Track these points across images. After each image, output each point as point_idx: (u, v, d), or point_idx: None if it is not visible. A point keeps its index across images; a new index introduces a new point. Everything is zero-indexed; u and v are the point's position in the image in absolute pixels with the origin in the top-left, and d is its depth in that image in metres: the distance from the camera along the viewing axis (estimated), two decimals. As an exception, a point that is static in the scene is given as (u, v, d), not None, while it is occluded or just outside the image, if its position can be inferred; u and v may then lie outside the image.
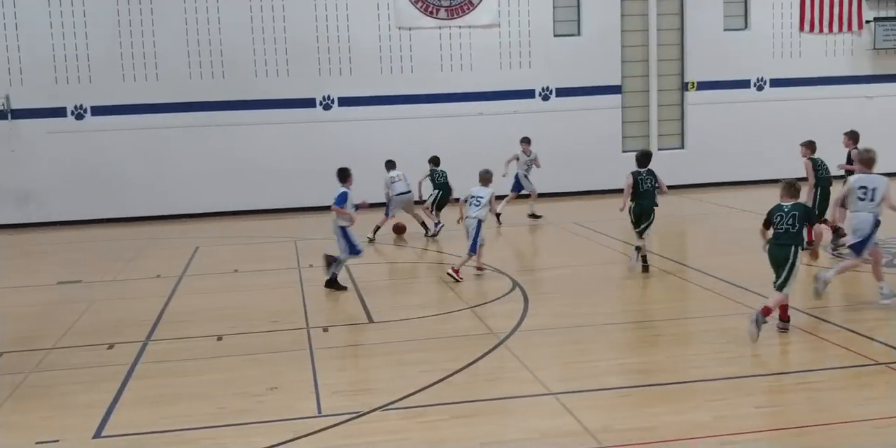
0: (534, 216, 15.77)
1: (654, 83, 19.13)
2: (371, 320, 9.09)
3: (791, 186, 8.13)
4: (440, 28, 18.35)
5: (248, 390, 6.94)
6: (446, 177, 14.69)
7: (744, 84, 19.44)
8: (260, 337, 8.59)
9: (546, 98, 18.84)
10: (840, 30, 19.62)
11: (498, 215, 14.83)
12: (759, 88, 19.53)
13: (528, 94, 18.76)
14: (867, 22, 19.57)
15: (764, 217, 8.20)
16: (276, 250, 13.76)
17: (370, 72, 18.17)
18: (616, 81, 18.96)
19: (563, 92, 18.82)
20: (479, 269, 11.16)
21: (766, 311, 7.76)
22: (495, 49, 18.56)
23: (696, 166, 19.22)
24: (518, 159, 15.91)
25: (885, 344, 7.40)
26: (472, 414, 6.24)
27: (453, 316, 9.07)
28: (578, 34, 18.82)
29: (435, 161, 15.01)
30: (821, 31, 19.53)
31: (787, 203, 8.04)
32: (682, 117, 19.47)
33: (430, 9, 18.23)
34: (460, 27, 18.46)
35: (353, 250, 10.40)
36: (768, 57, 19.45)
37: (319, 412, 6.42)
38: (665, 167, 18.81)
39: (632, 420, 6.00)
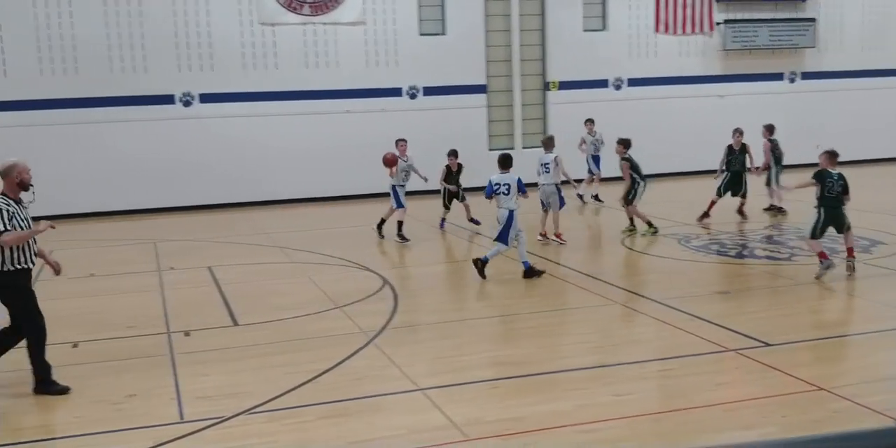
0: (597, 198, 16.59)
1: (517, 83, 19.49)
2: (236, 323, 8.88)
3: (834, 155, 9.53)
4: (304, 24, 18.13)
5: (105, 398, 6.67)
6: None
7: (602, 84, 20.06)
8: (118, 343, 8.26)
9: (413, 96, 18.91)
10: (693, 31, 20.51)
11: (581, 196, 16.36)
12: (618, 87, 20.20)
13: (396, 92, 18.78)
14: (718, 24, 20.53)
15: (812, 175, 9.54)
16: (136, 253, 13.27)
17: (232, 68, 17.76)
18: (481, 81, 19.22)
19: (430, 90, 18.93)
20: (558, 236, 12.35)
21: (823, 256, 9.43)
22: (361, 47, 18.49)
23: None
24: (585, 142, 16.72)
25: (735, 331, 7.78)
26: (340, 414, 6.19)
27: (322, 316, 8.98)
28: (444, 33, 18.97)
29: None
30: (675, 32, 20.36)
31: (834, 171, 9.40)
32: (544, 116, 19.92)
33: (293, 5, 17.97)
34: (325, 24, 18.28)
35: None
36: (626, 57, 20.13)
37: (182, 418, 6.23)
38: (531, 166, 19.38)
39: (498, 412, 6.09)
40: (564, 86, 19.81)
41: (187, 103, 17.67)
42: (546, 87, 19.81)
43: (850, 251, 9.83)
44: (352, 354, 7.53)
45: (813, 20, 21.00)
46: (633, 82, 20.21)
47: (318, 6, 18.13)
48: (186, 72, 17.56)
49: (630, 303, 9.07)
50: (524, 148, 19.61)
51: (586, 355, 7.39)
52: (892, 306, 8.55)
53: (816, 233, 9.69)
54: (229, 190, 17.81)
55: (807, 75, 21.45)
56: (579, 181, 16.05)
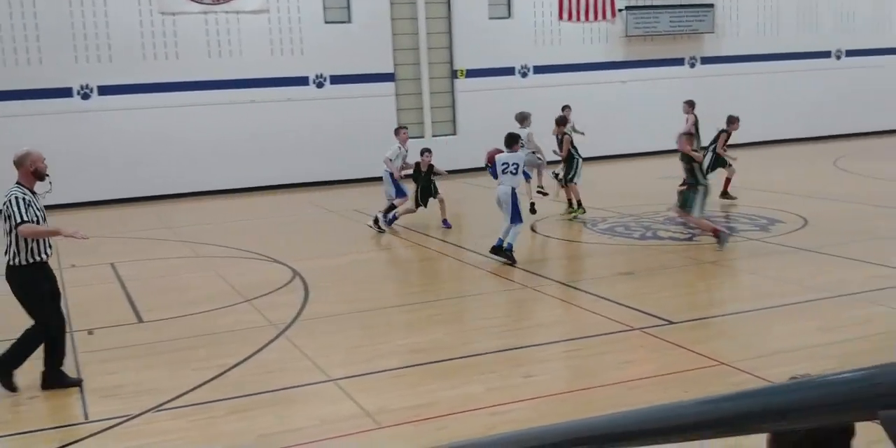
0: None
1: (425, 71, 19.50)
2: (140, 320, 8.70)
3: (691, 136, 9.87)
4: (206, 13, 17.75)
5: (5, 400, 6.46)
6: None
7: (509, 71, 20.24)
8: (18, 344, 7.99)
9: (320, 85, 18.73)
10: (596, 18, 20.84)
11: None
12: (524, 75, 20.41)
13: (302, 81, 18.57)
14: (620, 10, 20.91)
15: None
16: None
17: (132, 59, 17.27)
18: (389, 69, 19.16)
19: (337, 79, 18.78)
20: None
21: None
22: (265, 35, 18.21)
23: (469, 152, 19.78)
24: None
25: (639, 310, 7.99)
26: (251, 407, 6.14)
27: (230, 310, 8.85)
28: (349, 21, 18.83)
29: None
30: (578, 19, 20.66)
31: None
32: (453, 104, 20.00)
33: (194, -7, 17.58)
34: (227, 12, 17.94)
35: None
36: (531, 44, 20.33)
37: (87, 418, 6.09)
38: (441, 153, 19.41)
39: (410, 398, 6.14)
40: (472, 74, 19.91)
41: (86, 96, 17.13)
42: (454, 75, 19.87)
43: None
44: (261, 348, 7.47)
45: (711, 6, 21.57)
46: (539, 70, 20.45)
47: (219, -6, 17.77)
48: (84, 63, 17.01)
49: (538, 286, 9.21)
50: (434, 136, 19.68)
51: (496, 339, 7.49)
52: (786, 282, 8.90)
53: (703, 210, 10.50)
54: (132, 184, 17.35)
55: (706, 60, 22.04)
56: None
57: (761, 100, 21.61)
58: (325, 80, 18.73)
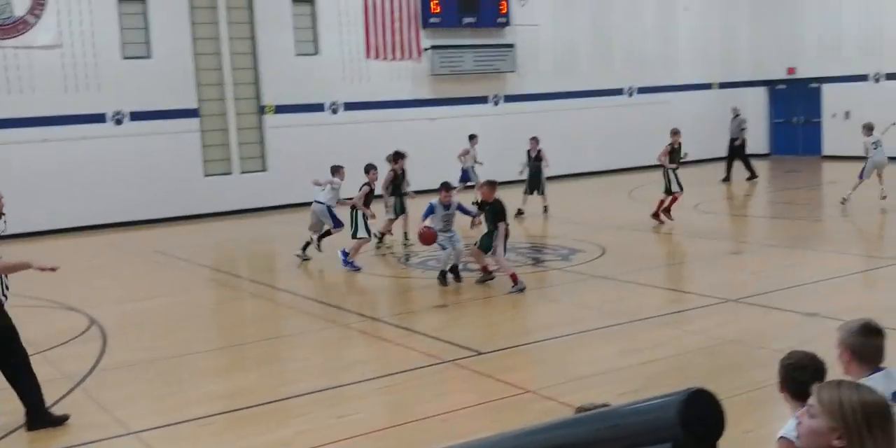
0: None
1: (231, 107, 19.12)
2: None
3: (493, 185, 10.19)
4: (-8, 48, 16.65)
5: None
6: None
7: (319, 107, 20.21)
8: None
9: (119, 122, 17.94)
10: (402, 57, 21.20)
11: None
12: (334, 111, 20.43)
13: (99, 118, 17.72)
14: (425, 50, 21.39)
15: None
16: None
17: None
18: (193, 105, 18.63)
19: (137, 115, 18.06)
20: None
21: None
22: (59, 71, 17.26)
23: (279, 188, 19.56)
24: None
25: (451, 342, 8.08)
26: (40, 468, 5.68)
27: (19, 363, 8.18)
28: (149, 56, 18.21)
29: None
30: (385, 57, 20.95)
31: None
32: (261, 140, 19.69)
33: (-25, 26, 16.45)
34: (16, 48, 16.90)
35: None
36: (340, 81, 20.40)
37: None
38: (249, 190, 19.11)
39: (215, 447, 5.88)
40: (281, 109, 19.71)
41: None
42: (262, 110, 19.60)
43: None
44: (54, 403, 6.93)
45: (512, 46, 22.48)
46: (350, 106, 20.54)
47: (8, 29, 16.71)
48: None
49: (351, 324, 9.13)
50: (242, 173, 19.31)
51: (310, 379, 7.33)
52: (587, 308, 9.29)
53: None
54: None
55: (509, 98, 22.91)
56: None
57: (561, 135, 22.60)
58: (124, 116, 17.96)
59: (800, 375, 3.75)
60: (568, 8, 23.61)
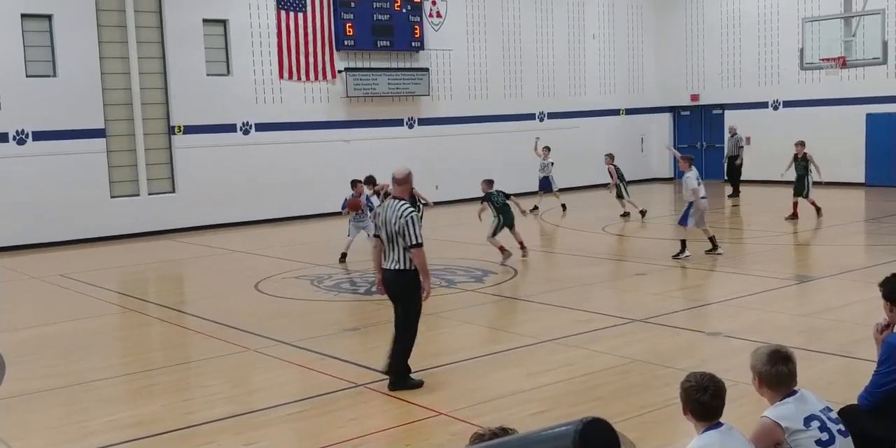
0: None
1: (139, 127, 18.73)
2: None
3: (490, 182, 12.15)
4: None
5: None
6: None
7: (231, 128, 19.98)
8: None
9: (21, 142, 17.39)
10: (316, 78, 21.16)
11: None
12: (246, 132, 20.21)
13: (1, 137, 17.16)
14: (340, 72, 21.39)
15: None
16: None
17: None
18: (99, 125, 18.19)
19: (40, 135, 17.53)
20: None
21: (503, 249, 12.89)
22: (-44, 88, 16.67)
23: (189, 210, 19.23)
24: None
25: (363, 366, 8.05)
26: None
27: None
28: (54, 75, 17.73)
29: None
30: (298, 79, 20.87)
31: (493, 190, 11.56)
32: (171, 161, 19.33)
33: None
34: (-89, 63, 16.25)
35: None
36: (252, 102, 20.23)
37: None
38: (157, 212, 18.72)
39: (119, 479, 5.71)
40: (191, 130, 19.41)
41: None
42: (171, 131, 19.26)
43: (521, 244, 13.59)
44: (-54, 435, 6.64)
45: (426, 70, 22.67)
46: (261, 127, 20.37)
47: None
48: None
49: (262, 348, 9.01)
50: (150, 194, 18.92)
51: (217, 407, 7.19)
52: (499, 330, 9.39)
53: (496, 233, 13.44)
54: None
55: (423, 121, 23.06)
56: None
57: (475, 158, 22.86)
58: (27, 136, 17.42)
59: (700, 397, 3.86)
60: (480, 34, 23.98)
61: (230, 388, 7.81)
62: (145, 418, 6.97)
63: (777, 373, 4.05)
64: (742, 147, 22.77)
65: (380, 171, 21.57)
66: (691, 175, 13.26)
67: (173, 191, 19.33)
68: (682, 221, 13.36)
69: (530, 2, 24.89)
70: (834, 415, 4.11)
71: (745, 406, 4.56)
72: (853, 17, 18.55)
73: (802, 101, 24.12)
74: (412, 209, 7.21)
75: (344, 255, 14.14)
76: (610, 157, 19.11)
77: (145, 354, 9.39)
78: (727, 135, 23.01)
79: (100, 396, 7.74)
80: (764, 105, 25.20)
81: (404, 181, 7.39)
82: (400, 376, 7.32)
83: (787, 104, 24.63)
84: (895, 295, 4.78)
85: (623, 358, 8.06)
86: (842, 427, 4.07)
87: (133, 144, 18.71)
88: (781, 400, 4.04)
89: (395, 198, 7.30)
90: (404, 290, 7.27)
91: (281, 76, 20.59)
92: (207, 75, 19.59)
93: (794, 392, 4.07)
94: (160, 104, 19.13)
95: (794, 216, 16.62)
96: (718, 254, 13.32)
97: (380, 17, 21.69)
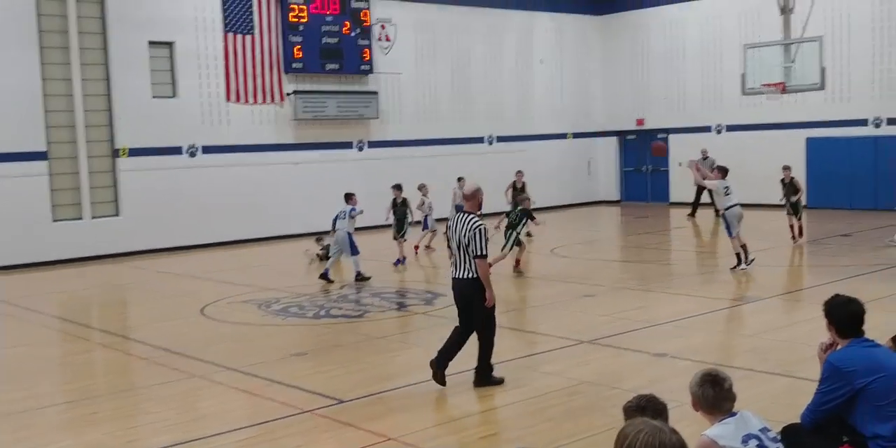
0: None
1: (83, 149, 18.43)
2: None
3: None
4: None
5: None
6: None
7: (177, 150, 19.76)
8: None
9: (-40, 165, 17.00)
10: (264, 101, 21.07)
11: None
12: (192, 155, 20.00)
13: (-61, 160, 16.78)
14: (288, 94, 21.32)
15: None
16: None
17: None
18: (41, 147, 17.85)
19: (-21, 158, 17.18)
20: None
21: None
22: None
23: (134, 233, 18.94)
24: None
25: (311, 391, 7.96)
26: None
27: None
28: (-6, 97, 17.41)
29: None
30: (246, 101, 20.76)
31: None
32: (115, 184, 19.03)
33: None
34: None
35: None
36: (199, 124, 20.05)
37: None
38: (101, 236, 18.39)
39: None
40: (136, 152, 19.15)
41: None
42: (116, 153, 18.98)
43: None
44: None
45: (376, 93, 22.72)
46: (208, 149, 20.18)
47: None
48: None
49: (208, 374, 8.86)
50: (94, 217, 18.60)
51: (162, 434, 7.04)
52: (450, 353, 9.34)
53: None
54: None
55: (373, 144, 23.07)
56: None
57: (425, 181, 22.86)
58: (-34, 159, 17.03)
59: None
60: (430, 58, 24.14)
61: (175, 416, 7.65)
62: (89, 446, 6.80)
63: (710, 395, 4.12)
64: (714, 169, 22.97)
65: (329, 194, 21.64)
66: (719, 184, 14.10)
67: (117, 214, 19.02)
68: (730, 233, 13.95)
69: (479, 27, 25.15)
70: (773, 434, 4.18)
71: (691, 426, 4.60)
72: (792, 43, 19.05)
73: (745, 125, 24.69)
74: (481, 223, 7.73)
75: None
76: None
77: (88, 381, 9.17)
78: (699, 157, 23.28)
79: (42, 424, 7.53)
80: (707, 129, 25.72)
81: (472, 197, 7.96)
82: (484, 374, 7.85)
83: (730, 128, 25.17)
84: (837, 315, 4.88)
85: (572, 379, 8.09)
86: (780, 446, 4.15)
87: (76, 167, 18.40)
88: (721, 420, 4.11)
89: (466, 212, 7.91)
90: (473, 297, 7.77)
91: (228, 98, 20.46)
92: (153, 97, 19.38)
93: (734, 413, 4.14)
94: (104, 126, 18.86)
95: (795, 237, 16.71)
96: (743, 268, 13.70)
97: (329, 40, 21.73)
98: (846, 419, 4.69)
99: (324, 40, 21.64)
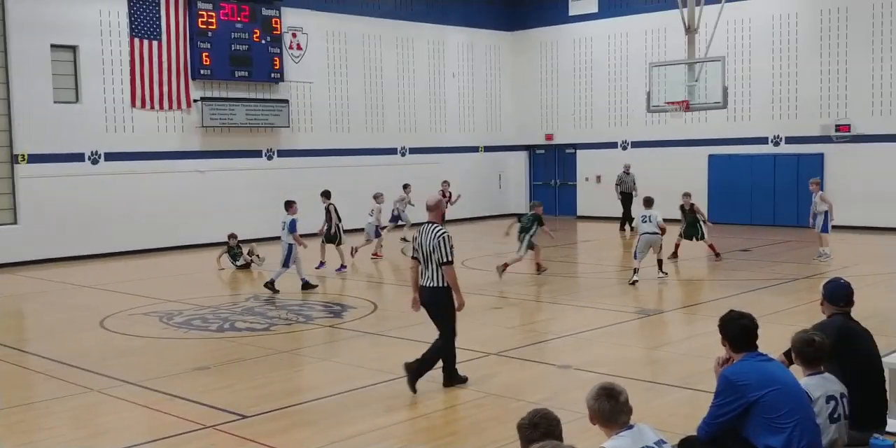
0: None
1: (-22, 154, 17.73)
2: None
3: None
4: None
5: None
6: None
7: (79, 157, 19.17)
8: None
9: None
10: (171, 108, 20.63)
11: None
12: (95, 162, 19.44)
13: None
14: (195, 101, 20.93)
15: None
16: None
17: None
18: (-67, 151, 17.10)
19: None
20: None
21: None
22: None
23: (32, 242, 18.27)
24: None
25: (213, 406, 7.79)
26: None
27: None
28: None
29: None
30: (152, 107, 20.29)
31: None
32: (13, 191, 18.34)
33: None
34: None
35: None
36: (102, 131, 19.51)
37: None
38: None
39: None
40: (36, 159, 18.51)
41: None
42: (15, 159, 18.30)
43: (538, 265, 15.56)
44: None
45: (286, 102, 22.50)
46: (112, 156, 19.64)
47: None
48: None
49: (105, 389, 8.58)
50: (-9, 225, 17.89)
51: (55, 452, 6.80)
52: (356, 366, 9.31)
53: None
54: None
55: (283, 152, 22.83)
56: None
57: (336, 191, 22.72)
58: None
59: (530, 434, 3.96)
60: (342, 68, 24.07)
61: (72, 431, 7.40)
62: (-27, 467, 6.51)
63: (604, 408, 4.22)
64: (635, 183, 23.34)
65: (236, 203, 21.36)
66: (817, 198, 16.26)
67: (15, 222, 18.34)
68: (824, 229, 16.17)
69: (391, 38, 25.20)
70: (668, 447, 4.29)
71: (594, 438, 4.68)
72: (696, 63, 19.67)
73: (650, 141, 25.36)
74: (444, 231, 8.00)
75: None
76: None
77: (-23, 397, 8.78)
78: (621, 171, 23.65)
79: (-76, 444, 7.18)
80: (614, 145, 26.32)
81: (436, 207, 8.23)
82: (452, 373, 8.24)
83: (636, 145, 25.82)
84: (730, 331, 5.04)
85: (478, 392, 8.14)
86: None
87: (-29, 173, 17.67)
88: (617, 433, 4.20)
89: (429, 222, 8.12)
90: (439, 304, 8.09)
91: (133, 104, 19.98)
92: (55, 102, 18.78)
93: (631, 426, 4.23)
94: (3, 131, 18.20)
95: (675, 255, 17.09)
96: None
97: (238, 47, 21.44)
98: (740, 432, 4.84)
99: (233, 47, 21.35)
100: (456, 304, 8.15)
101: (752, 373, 4.83)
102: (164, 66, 20.36)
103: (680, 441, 5.09)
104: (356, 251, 17.97)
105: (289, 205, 14.71)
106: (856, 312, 5.85)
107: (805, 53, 22.60)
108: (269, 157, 22.59)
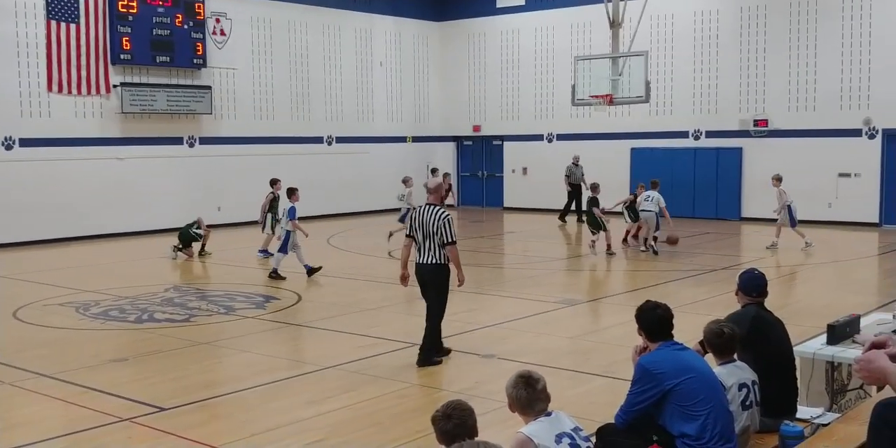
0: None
1: None
2: None
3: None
4: None
5: None
6: None
7: (-9, 143, 18.53)
8: None
9: None
10: (89, 93, 20.05)
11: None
12: (8, 148, 18.79)
13: None
14: (115, 86, 20.38)
15: None
16: None
17: None
18: None
19: None
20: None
21: None
22: None
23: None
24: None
25: (130, 399, 7.62)
26: None
27: None
28: None
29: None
30: (69, 92, 19.69)
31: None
32: (-81, 177, 17.61)
33: None
34: None
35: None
36: (17, 116, 18.87)
37: None
38: None
39: None
40: (-56, 144, 17.80)
41: None
42: (-80, 144, 17.56)
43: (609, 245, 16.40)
44: None
45: (209, 88, 22.07)
46: (27, 142, 19.00)
47: None
48: None
49: (17, 381, 8.32)
50: None
51: (-37, 449, 6.56)
52: (279, 358, 9.21)
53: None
54: None
55: (205, 140, 22.40)
56: None
57: (260, 179, 22.45)
58: None
59: (443, 425, 4.01)
60: (266, 54, 23.72)
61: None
62: None
63: (521, 396, 4.32)
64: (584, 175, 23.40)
65: (156, 190, 20.90)
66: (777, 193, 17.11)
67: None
68: (792, 224, 16.98)
69: (317, 25, 24.93)
70: (584, 434, 4.40)
71: (515, 426, 4.72)
72: (620, 57, 19.95)
73: (574, 134, 25.65)
74: (447, 213, 8.52)
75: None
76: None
77: None
78: (570, 163, 23.67)
79: None
80: (539, 137, 26.56)
81: (436, 190, 8.63)
82: (427, 354, 8.64)
83: (561, 137, 26.09)
84: (646, 320, 5.13)
85: (403, 382, 8.14)
86: (590, 445, 4.37)
87: None
88: (535, 419, 4.28)
89: (429, 204, 8.55)
90: (440, 281, 8.64)
91: (50, 89, 19.36)
92: (-28, 87, 18.08)
93: (549, 413, 4.32)
94: None
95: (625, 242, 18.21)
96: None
97: (160, 31, 20.94)
98: (656, 419, 4.94)
99: (155, 32, 20.84)
100: (458, 280, 8.76)
101: (668, 361, 4.92)
102: (83, 50, 19.76)
103: (598, 429, 5.17)
104: (392, 235, 17.62)
105: (291, 192, 14.81)
106: (769, 302, 6.01)
107: (725, 49, 23.13)
108: (191, 145, 22.15)
